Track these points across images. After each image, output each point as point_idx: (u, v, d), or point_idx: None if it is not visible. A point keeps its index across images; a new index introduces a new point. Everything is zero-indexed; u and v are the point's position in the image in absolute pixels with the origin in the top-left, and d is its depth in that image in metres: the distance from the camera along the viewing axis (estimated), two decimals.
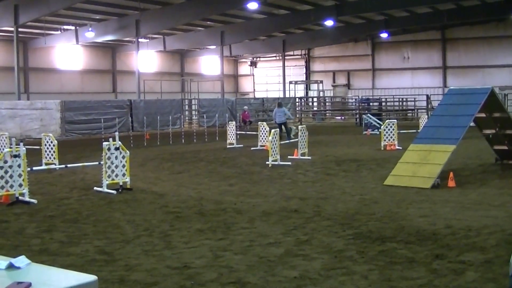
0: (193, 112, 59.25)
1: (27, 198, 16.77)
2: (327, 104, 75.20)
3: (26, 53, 61.55)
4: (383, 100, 65.02)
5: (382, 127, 32.52)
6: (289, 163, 24.98)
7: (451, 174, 18.69)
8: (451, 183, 18.38)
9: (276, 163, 24.63)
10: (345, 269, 9.82)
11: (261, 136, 32.19)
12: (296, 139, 28.65)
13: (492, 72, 68.07)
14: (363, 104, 60.58)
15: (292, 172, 22.59)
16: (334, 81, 79.63)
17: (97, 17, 53.81)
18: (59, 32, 58.93)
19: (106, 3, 48.71)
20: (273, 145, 24.68)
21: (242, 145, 33.87)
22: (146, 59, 70.05)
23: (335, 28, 64.47)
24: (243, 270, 9.90)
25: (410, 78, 73.69)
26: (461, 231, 12.30)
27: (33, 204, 16.45)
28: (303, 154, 27.00)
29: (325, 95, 76.78)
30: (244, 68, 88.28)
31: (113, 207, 16.06)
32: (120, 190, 18.26)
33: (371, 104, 62.67)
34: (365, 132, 43.25)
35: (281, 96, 70.13)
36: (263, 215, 14.42)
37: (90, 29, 53.06)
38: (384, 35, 68.75)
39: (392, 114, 61.46)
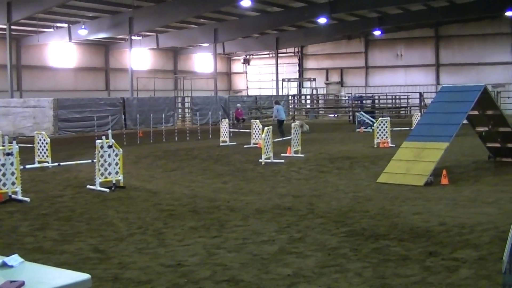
0: (186, 110, 59.19)
1: (20, 196, 16.73)
2: (320, 101, 75.21)
3: (19, 50, 61.49)
4: (376, 97, 65.03)
5: (375, 124, 32.52)
6: (282, 160, 24.97)
7: (445, 172, 18.72)
8: (445, 181, 18.40)
9: (269, 160, 24.62)
10: (338, 267, 9.82)
11: (254, 133, 32.18)
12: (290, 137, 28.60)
13: (486, 69, 68.21)
14: (356, 102, 60.59)
15: (285, 170, 22.58)
16: (327, 79, 79.70)
17: (90, 15, 53.76)
18: (52, 29, 58.89)
19: (99, 1, 48.70)
20: (266, 143, 24.67)
21: (235, 143, 33.84)
22: (139, 56, 70.00)
23: (329, 26, 64.46)
24: (237, 267, 9.90)
25: (403, 76, 73.82)
26: (455, 228, 12.32)
27: (26, 202, 16.42)
28: (296, 152, 26.99)
29: (318, 92, 76.82)
30: (237, 66, 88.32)
31: (106, 205, 16.04)
32: (113, 188, 18.23)
33: (364, 101, 62.64)
34: (358, 130, 43.26)
35: (274, 93, 70.09)
36: (256, 213, 14.42)
37: (83, 26, 53.00)
38: (377, 33, 68.76)
39: (385, 111, 61.47)
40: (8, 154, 16.62)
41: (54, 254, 11.05)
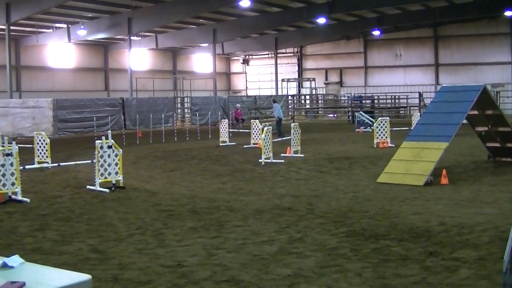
0: (186, 110, 59.18)
1: (19, 197, 16.73)
2: (320, 101, 75.19)
3: (18, 51, 61.42)
4: (376, 97, 65.04)
5: (374, 124, 32.53)
6: (282, 161, 24.97)
7: (444, 172, 18.72)
8: (444, 181, 18.40)
9: (268, 161, 24.62)
10: (338, 267, 9.82)
11: (253, 134, 32.20)
12: (289, 137, 28.56)
13: (484, 69, 68.21)
14: (355, 102, 60.68)
15: (284, 170, 22.58)
16: (326, 79, 79.67)
17: (89, 15, 53.74)
18: (51, 30, 58.87)
19: (98, 1, 48.71)
20: (265, 143, 24.67)
21: (234, 143, 33.84)
22: (138, 57, 69.96)
23: (327, 26, 64.49)
24: (237, 268, 9.89)
25: (402, 76, 73.82)
26: (454, 228, 12.32)
27: (26, 203, 16.42)
28: (295, 152, 27.00)
29: (318, 92, 76.80)
30: (236, 66, 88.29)
31: (106, 205, 16.04)
32: (112, 189, 18.23)
33: (363, 101, 62.73)
34: (357, 130, 43.27)
35: (274, 93, 70.11)
36: (256, 213, 14.41)
37: (82, 27, 52.97)
38: (376, 33, 68.77)
39: (385, 111, 61.47)
40: (7, 154, 16.62)
41: (54, 254, 11.05)
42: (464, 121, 20.76)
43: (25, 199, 16.71)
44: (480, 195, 16.36)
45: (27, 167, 23.09)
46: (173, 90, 73.92)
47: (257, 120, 33.51)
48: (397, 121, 49.76)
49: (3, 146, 17.00)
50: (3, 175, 16.53)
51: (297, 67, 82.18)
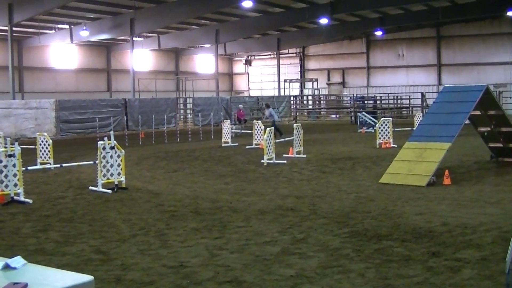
0: (188, 111, 59.17)
1: (22, 198, 16.74)
2: (322, 102, 75.20)
3: (20, 52, 61.48)
4: (378, 98, 65.00)
5: (377, 125, 32.51)
6: (285, 161, 24.98)
7: (447, 172, 18.71)
8: (447, 181, 18.39)
9: (271, 161, 24.62)
10: (341, 267, 9.81)
11: (256, 134, 32.20)
12: (291, 137, 28.52)
13: (487, 69, 68.14)
14: (358, 102, 60.62)
15: (287, 171, 22.58)
16: (329, 79, 79.65)
17: (92, 16, 53.77)
18: (53, 31, 58.91)
19: (101, 2, 48.70)
20: (268, 143, 24.67)
21: (237, 144, 33.85)
22: (140, 57, 70.06)
23: (330, 26, 64.47)
24: (239, 268, 9.89)
25: (405, 76, 73.75)
26: (457, 228, 12.30)
27: (28, 204, 16.43)
28: (298, 153, 27.01)
29: (320, 93, 76.79)
30: (239, 67, 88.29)
31: (108, 206, 16.04)
32: (115, 189, 18.25)
33: (366, 102, 62.73)
34: (360, 130, 43.29)
35: (276, 94, 70.14)
36: (259, 214, 14.41)
37: (84, 28, 53.01)
38: (379, 33, 68.68)
39: (387, 112, 61.41)
40: (10, 155, 16.63)
41: (56, 255, 11.05)
42: (467, 122, 20.73)
43: (27, 200, 16.72)
44: (483, 196, 16.35)
45: (29, 168, 23.10)
46: (175, 90, 73.99)
47: (259, 121, 33.47)
48: (400, 122, 49.76)
49: (5, 147, 17.02)
50: (6, 176, 16.54)
51: (299, 67, 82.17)
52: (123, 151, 19.00)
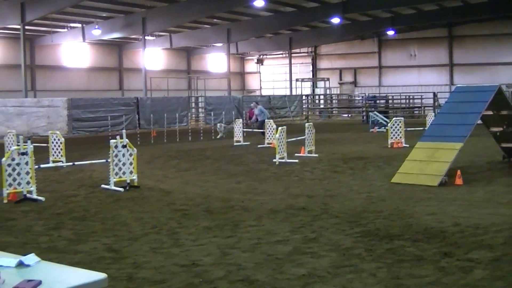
0: (200, 110, 59.22)
1: (34, 196, 16.80)
2: (334, 101, 75.14)
3: (32, 50, 61.72)
4: (390, 97, 64.92)
5: (389, 124, 32.46)
6: (296, 160, 24.97)
7: (459, 172, 18.65)
8: (459, 181, 18.34)
9: (283, 160, 24.62)
10: (353, 267, 9.81)
11: (267, 133, 32.20)
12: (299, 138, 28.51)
13: (500, 69, 67.90)
14: (369, 102, 60.55)
15: (299, 170, 22.57)
16: (340, 79, 79.60)
17: (104, 15, 53.92)
18: (65, 29, 59.14)
19: (113, 1, 48.82)
20: (280, 142, 24.66)
21: (248, 143, 33.87)
22: (152, 56, 70.18)
23: (342, 26, 64.44)
24: (251, 267, 9.90)
25: (416, 76, 73.61)
26: (469, 229, 12.28)
27: (41, 202, 16.49)
28: (310, 152, 27.00)
29: (332, 92, 76.73)
30: (250, 66, 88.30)
31: (120, 204, 16.08)
32: (127, 188, 18.28)
33: (377, 101, 62.61)
34: (371, 130, 43.21)
35: (288, 93, 70.13)
36: (270, 213, 14.41)
37: (96, 26, 53.21)
38: (390, 33, 68.61)
39: (399, 111, 61.28)
40: (22, 153, 16.70)
41: (69, 253, 11.09)
42: (479, 122, 20.67)
43: (40, 198, 16.78)
44: (495, 196, 16.31)
45: (42, 166, 23.17)
46: (187, 89, 74.04)
47: (271, 120, 33.47)
48: (412, 121, 49.63)
49: (18, 145, 17.08)
50: (18, 174, 16.60)
51: (311, 67, 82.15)
52: (135, 149, 19.04)
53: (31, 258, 5.07)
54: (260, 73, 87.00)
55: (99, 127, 44.08)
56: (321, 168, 22.92)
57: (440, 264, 9.86)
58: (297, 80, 74.60)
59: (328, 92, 76.58)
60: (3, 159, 16.64)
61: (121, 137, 18.63)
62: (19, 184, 16.63)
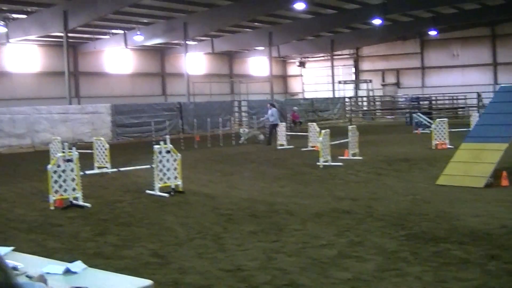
0: (243, 114, 59.27)
1: (80, 202, 16.97)
2: (377, 103, 74.80)
3: (76, 57, 62.20)
4: (433, 98, 64.42)
5: (432, 125, 32.27)
6: (340, 163, 24.91)
7: (504, 173, 18.46)
8: (505, 182, 18.16)
9: (327, 163, 24.58)
10: (398, 271, 9.76)
11: (311, 136, 32.16)
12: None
13: None
14: (413, 103, 60.20)
15: (343, 173, 22.52)
16: (383, 80, 79.18)
17: (145, 21, 54.18)
18: (108, 36, 59.52)
19: (154, 7, 49.01)
20: (323, 146, 24.62)
21: (292, 146, 33.86)
22: (194, 61, 70.37)
23: (383, 27, 63.96)
24: (296, 272, 9.89)
25: (460, 76, 72.90)
26: None
27: (87, 208, 16.64)
28: (354, 155, 26.93)
29: (375, 94, 76.37)
30: (292, 69, 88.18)
31: (165, 210, 16.16)
32: (172, 193, 18.37)
33: (421, 102, 62.19)
34: (415, 131, 42.97)
35: (331, 96, 70.01)
36: (315, 217, 14.40)
37: (138, 32, 53.49)
38: (432, 33, 68.01)
39: (443, 112, 60.77)
40: (68, 160, 16.87)
41: (115, 259, 11.17)
42: None
43: (86, 204, 16.94)
44: None
45: (87, 172, 23.34)
46: (230, 93, 74.16)
47: (314, 123, 33.43)
48: (456, 122, 49.22)
49: (63, 152, 17.25)
50: (64, 180, 16.78)
51: (353, 68, 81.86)
52: (179, 154, 19.12)
53: (78, 265, 5.13)
54: (302, 76, 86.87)
55: (142, 132, 44.37)
56: (365, 171, 22.84)
57: (486, 267, 9.78)
58: (339, 82, 74.41)
59: (371, 94, 76.21)
60: (49, 166, 16.83)
61: (165, 143, 18.73)
62: (65, 190, 16.81)
